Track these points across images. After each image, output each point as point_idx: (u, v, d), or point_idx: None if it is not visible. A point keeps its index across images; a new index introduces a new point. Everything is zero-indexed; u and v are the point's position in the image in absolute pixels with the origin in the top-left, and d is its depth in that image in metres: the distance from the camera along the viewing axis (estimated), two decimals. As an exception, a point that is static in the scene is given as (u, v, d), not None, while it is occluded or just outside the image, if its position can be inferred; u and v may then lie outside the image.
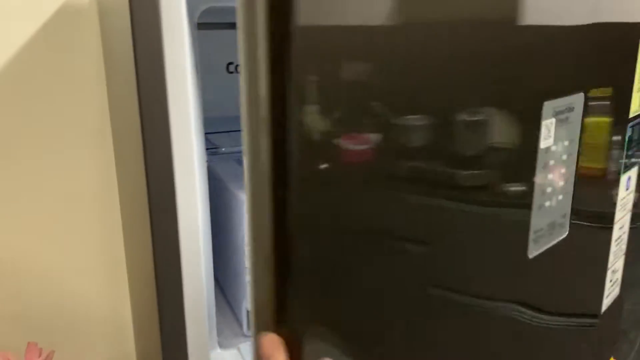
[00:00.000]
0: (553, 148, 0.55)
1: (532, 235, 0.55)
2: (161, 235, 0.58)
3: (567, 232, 0.60)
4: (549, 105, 0.52)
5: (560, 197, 0.58)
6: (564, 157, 0.57)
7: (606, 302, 0.74)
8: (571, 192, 0.60)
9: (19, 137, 0.78)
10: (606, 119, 0.64)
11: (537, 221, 0.55)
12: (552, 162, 0.55)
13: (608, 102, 0.63)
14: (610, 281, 0.74)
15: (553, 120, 0.53)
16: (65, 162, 0.81)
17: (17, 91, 0.76)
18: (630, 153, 0.71)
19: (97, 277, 0.86)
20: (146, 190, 0.56)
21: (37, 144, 0.79)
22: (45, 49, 0.77)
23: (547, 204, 0.56)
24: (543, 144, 0.53)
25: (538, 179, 0.54)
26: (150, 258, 0.59)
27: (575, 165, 0.59)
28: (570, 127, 0.57)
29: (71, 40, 0.78)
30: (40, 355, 0.67)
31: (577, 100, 0.57)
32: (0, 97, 0.76)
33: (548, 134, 0.53)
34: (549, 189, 0.55)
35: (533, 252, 0.55)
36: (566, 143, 0.57)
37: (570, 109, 0.56)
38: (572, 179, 0.59)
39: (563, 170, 0.57)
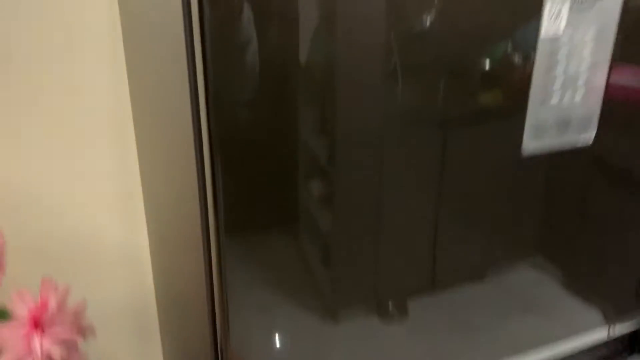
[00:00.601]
0: (564, 39, 0.51)
1: (528, 128, 0.52)
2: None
3: (591, 138, 0.56)
4: (557, -11, 0.49)
5: (578, 97, 0.53)
6: (585, 50, 0.52)
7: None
8: (599, 94, 0.55)
9: (27, 51, 0.70)
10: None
11: (537, 115, 0.52)
12: (563, 51, 0.51)
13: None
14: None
15: (567, 4, 0.49)
16: (74, 77, 0.73)
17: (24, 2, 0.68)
18: None
19: (111, 205, 0.81)
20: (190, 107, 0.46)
21: (44, 58, 0.71)
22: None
23: (554, 100, 0.52)
24: (546, 30, 0.50)
25: (537, 69, 0.51)
26: (192, 178, 0.49)
27: (608, 61, 0.54)
28: (596, 15, 0.51)
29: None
30: (55, 291, 0.64)
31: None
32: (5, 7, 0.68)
33: (555, 19, 0.50)
34: (556, 84, 0.52)
35: (530, 146, 0.53)
36: (589, 35, 0.52)
37: (597, -3, 0.50)
38: (603, 78, 0.54)
39: (584, 67, 0.53)
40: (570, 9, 0.50)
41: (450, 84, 0.48)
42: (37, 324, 0.63)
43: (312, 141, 0.45)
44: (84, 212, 0.79)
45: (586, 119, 0.55)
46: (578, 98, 0.53)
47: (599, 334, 0.72)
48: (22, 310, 0.63)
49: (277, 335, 0.50)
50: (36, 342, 0.61)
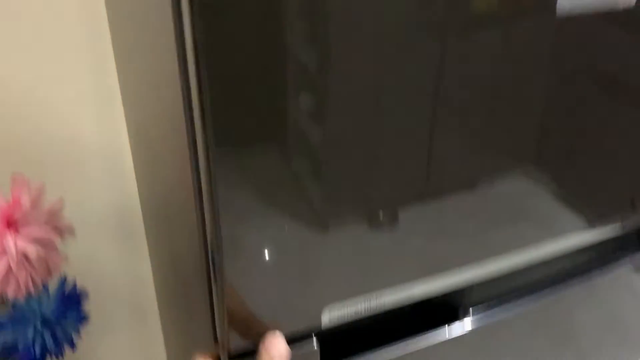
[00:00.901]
0: None
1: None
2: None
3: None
4: None
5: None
6: None
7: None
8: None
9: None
10: None
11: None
12: None
13: None
14: None
15: None
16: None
17: None
18: None
19: (87, 102, 0.74)
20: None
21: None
22: None
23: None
24: None
25: None
26: (176, 90, 0.42)
27: None
28: None
29: None
30: (28, 189, 0.58)
31: None
32: None
33: None
34: None
35: (565, 3, 0.47)
36: None
37: None
38: None
39: None
40: None
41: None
42: (10, 222, 0.58)
43: (302, 49, 0.40)
44: (58, 110, 0.74)
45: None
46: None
47: (611, 228, 0.70)
48: (-9, 208, 0.58)
49: (267, 246, 0.47)
50: (9, 240, 0.56)
